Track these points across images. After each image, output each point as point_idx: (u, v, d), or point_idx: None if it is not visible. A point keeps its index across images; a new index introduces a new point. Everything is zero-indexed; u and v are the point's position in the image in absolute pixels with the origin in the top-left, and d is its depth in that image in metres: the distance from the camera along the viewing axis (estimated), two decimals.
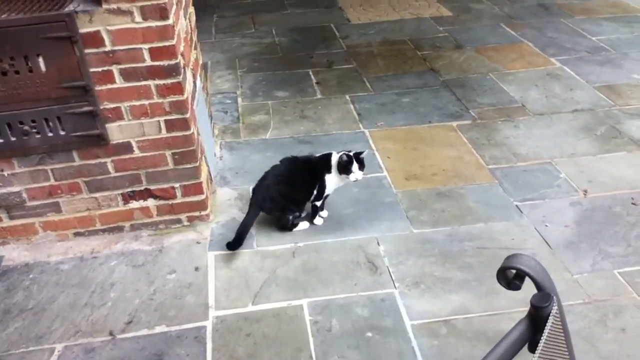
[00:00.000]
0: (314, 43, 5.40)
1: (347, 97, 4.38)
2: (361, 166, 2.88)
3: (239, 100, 4.40)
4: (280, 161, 2.99)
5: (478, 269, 2.71)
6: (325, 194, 2.99)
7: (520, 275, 1.13)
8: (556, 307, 1.06)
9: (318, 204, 3.00)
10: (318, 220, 3.04)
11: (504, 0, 6.31)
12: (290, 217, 2.96)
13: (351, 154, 2.86)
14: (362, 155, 2.89)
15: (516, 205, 3.14)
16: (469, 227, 2.98)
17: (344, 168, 2.87)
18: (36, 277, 2.76)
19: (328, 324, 2.45)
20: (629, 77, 4.49)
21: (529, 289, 1.25)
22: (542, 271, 1.10)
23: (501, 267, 1.14)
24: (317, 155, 3.03)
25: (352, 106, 4.24)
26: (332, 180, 2.94)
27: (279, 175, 2.92)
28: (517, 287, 1.15)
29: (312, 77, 4.73)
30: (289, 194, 2.91)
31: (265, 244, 2.91)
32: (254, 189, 3.00)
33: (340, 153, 2.89)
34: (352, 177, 2.87)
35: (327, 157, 2.96)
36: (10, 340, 2.42)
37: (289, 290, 2.63)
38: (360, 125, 3.98)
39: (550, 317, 1.03)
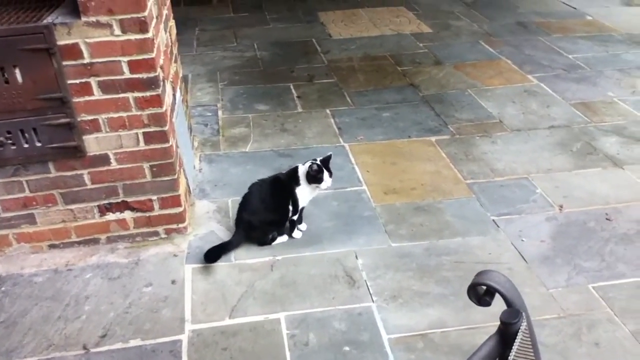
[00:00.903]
0: (296, 57, 5.43)
1: (328, 111, 4.40)
2: (330, 172, 2.90)
3: (220, 113, 4.40)
4: (250, 188, 2.98)
5: (455, 283, 2.73)
6: (300, 207, 3.00)
7: (491, 292, 1.14)
8: (525, 323, 1.07)
9: (295, 217, 3.00)
10: (297, 234, 3.04)
11: (483, 18, 6.42)
12: (270, 236, 2.97)
13: (318, 162, 2.86)
14: (329, 160, 2.91)
15: (493, 220, 3.17)
16: (447, 242, 3.01)
17: (315, 178, 2.87)
18: (8, 290, 2.72)
19: (305, 338, 2.44)
20: (603, 95, 4.58)
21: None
22: (511, 287, 1.12)
23: (472, 284, 1.15)
24: (284, 172, 3.04)
25: (332, 120, 4.26)
26: (303, 192, 2.95)
27: (251, 204, 2.94)
28: (487, 303, 1.16)
29: (293, 90, 4.75)
30: (266, 218, 2.92)
31: (243, 257, 2.90)
32: (236, 221, 3.00)
33: (308, 163, 2.89)
34: (323, 185, 2.88)
35: (294, 171, 2.97)
36: None
37: (266, 303, 2.62)
38: (340, 139, 4.00)
39: (519, 333, 1.04)
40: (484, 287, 1.13)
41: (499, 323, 1.18)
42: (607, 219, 3.17)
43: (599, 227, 3.10)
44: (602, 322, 2.51)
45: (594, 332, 2.45)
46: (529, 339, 1.06)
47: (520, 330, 1.03)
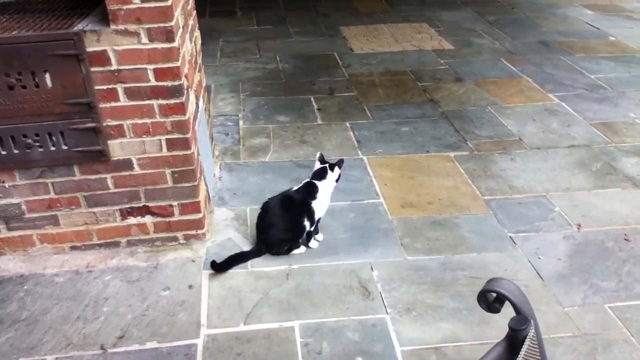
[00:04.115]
0: (317, 70, 5.49)
1: (347, 124, 4.44)
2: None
3: (241, 123, 4.47)
4: (262, 208, 3.02)
5: (470, 298, 2.73)
6: (317, 218, 3.04)
7: (501, 299, 1.16)
8: (533, 331, 1.08)
9: (312, 229, 3.03)
10: (313, 244, 3.07)
11: (505, 36, 6.43)
12: (286, 247, 3.00)
13: (334, 163, 3.05)
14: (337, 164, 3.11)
15: (510, 237, 3.16)
16: (463, 257, 3.01)
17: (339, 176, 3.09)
18: (31, 289, 2.78)
19: (318, 346, 2.46)
20: (625, 115, 4.56)
21: None
22: (520, 295, 1.14)
23: (482, 290, 1.17)
24: (295, 188, 3.07)
25: (351, 133, 4.30)
26: (319, 205, 3.00)
27: (267, 224, 2.97)
28: (496, 310, 1.18)
29: (314, 103, 4.80)
30: (282, 237, 2.97)
31: (259, 265, 2.94)
32: (257, 237, 3.05)
33: (332, 167, 3.03)
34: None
35: (309, 186, 3.02)
36: (1, 351, 2.44)
37: (281, 311, 2.65)
38: (359, 152, 4.03)
39: (526, 340, 1.06)
40: (494, 294, 1.16)
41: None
42: (625, 239, 3.14)
43: (617, 248, 3.08)
44: (618, 342, 2.49)
45: (609, 353, 2.43)
46: (536, 347, 1.08)
47: (528, 337, 1.05)
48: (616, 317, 2.62)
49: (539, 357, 1.08)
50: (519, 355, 1.03)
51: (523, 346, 1.04)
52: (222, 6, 7.56)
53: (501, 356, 1.08)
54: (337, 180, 3.08)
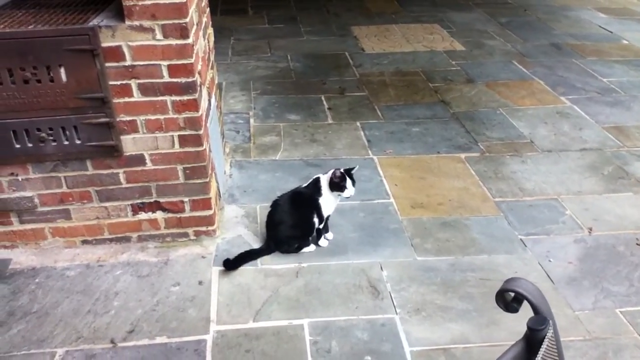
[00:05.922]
0: (328, 70, 5.49)
1: (358, 123, 4.44)
2: (353, 182, 2.94)
3: (251, 120, 4.48)
4: (272, 206, 3.02)
5: (479, 299, 2.72)
6: (326, 216, 3.03)
7: (519, 299, 1.16)
8: (551, 331, 1.08)
9: (321, 226, 3.03)
10: (323, 242, 3.07)
11: (516, 38, 6.40)
12: (296, 245, 3.00)
13: (342, 170, 2.92)
14: (353, 171, 2.96)
15: (520, 239, 3.15)
16: (472, 258, 3.00)
17: (337, 185, 2.91)
18: (42, 282, 2.80)
19: (327, 345, 2.46)
20: (637, 119, 4.53)
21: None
22: (539, 295, 1.13)
23: (500, 290, 1.17)
24: (304, 185, 3.06)
25: (362, 133, 4.30)
26: (326, 202, 2.98)
27: (276, 222, 2.97)
28: (514, 310, 1.18)
29: (324, 102, 4.80)
30: (292, 234, 2.97)
31: (269, 263, 2.94)
32: (267, 235, 3.05)
33: (332, 171, 2.94)
34: (346, 193, 2.92)
35: (316, 182, 3.00)
36: (12, 343, 2.45)
37: (290, 309, 2.65)
38: (369, 152, 4.03)
39: (545, 340, 1.05)
40: (512, 294, 1.16)
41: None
42: (637, 244, 3.13)
43: (628, 252, 3.06)
44: (629, 347, 2.47)
45: (620, 357, 2.42)
46: (555, 348, 1.07)
47: (546, 338, 1.05)
48: (627, 322, 2.60)
49: (557, 358, 1.08)
50: (538, 356, 1.02)
51: (542, 346, 1.04)
52: (234, 4, 7.58)
53: (519, 356, 1.08)
54: (339, 188, 2.92)
